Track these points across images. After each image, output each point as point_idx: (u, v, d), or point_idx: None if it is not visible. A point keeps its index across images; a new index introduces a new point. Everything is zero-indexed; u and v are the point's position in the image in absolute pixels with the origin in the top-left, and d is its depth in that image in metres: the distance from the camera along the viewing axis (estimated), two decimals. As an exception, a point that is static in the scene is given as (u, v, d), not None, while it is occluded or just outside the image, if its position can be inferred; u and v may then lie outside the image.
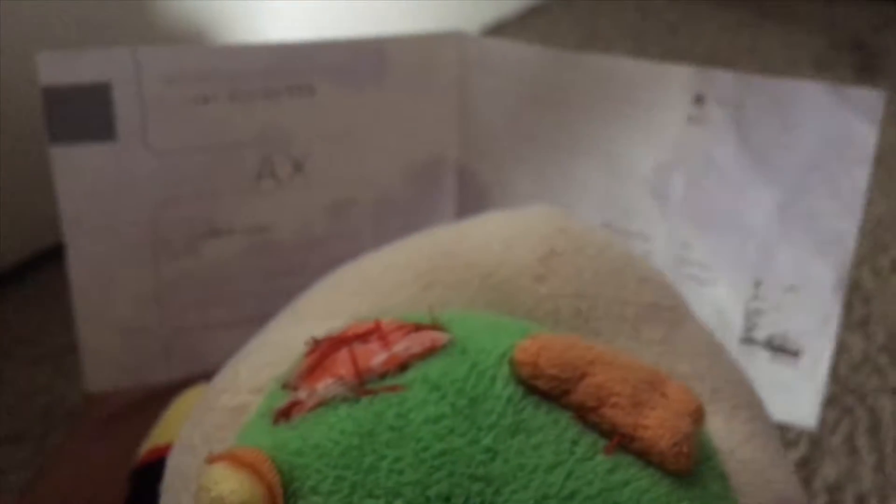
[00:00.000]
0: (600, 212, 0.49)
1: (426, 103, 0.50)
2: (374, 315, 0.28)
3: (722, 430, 0.29)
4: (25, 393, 0.64)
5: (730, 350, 0.34)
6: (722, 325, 0.47)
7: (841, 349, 0.66)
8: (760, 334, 0.46)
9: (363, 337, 0.26)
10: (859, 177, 0.43)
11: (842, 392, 0.65)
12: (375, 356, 0.25)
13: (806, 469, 0.58)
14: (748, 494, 0.27)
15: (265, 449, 0.24)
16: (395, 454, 0.23)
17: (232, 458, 0.23)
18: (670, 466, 0.24)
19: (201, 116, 0.45)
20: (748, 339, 0.47)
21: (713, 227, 0.46)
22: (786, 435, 0.57)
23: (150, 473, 0.33)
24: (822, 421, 0.51)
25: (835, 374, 0.64)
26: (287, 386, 0.26)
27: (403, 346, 0.26)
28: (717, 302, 0.47)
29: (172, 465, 0.29)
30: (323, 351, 0.26)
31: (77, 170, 0.44)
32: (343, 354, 0.26)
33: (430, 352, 0.26)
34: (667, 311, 0.32)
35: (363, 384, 0.25)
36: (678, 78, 0.46)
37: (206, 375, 0.46)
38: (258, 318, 0.48)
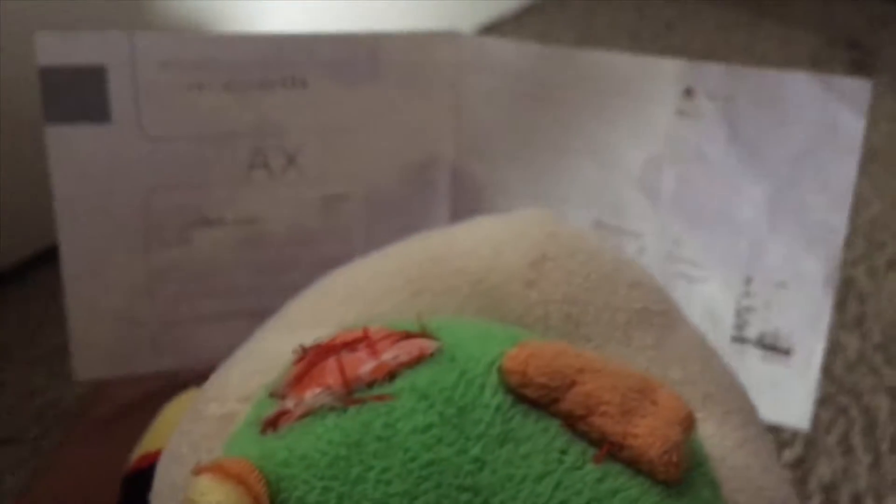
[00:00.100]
0: (592, 209, 0.49)
1: (420, 101, 0.50)
2: (364, 322, 0.28)
3: (714, 435, 0.29)
4: (21, 394, 0.64)
5: (721, 349, 0.34)
6: (713, 323, 0.46)
7: (836, 348, 0.66)
8: (751, 332, 0.46)
9: (351, 345, 0.26)
10: (848, 167, 0.43)
11: (837, 391, 0.65)
12: (363, 365, 0.25)
13: (801, 469, 0.58)
14: (740, 501, 0.27)
15: (252, 459, 0.24)
16: (383, 464, 0.23)
17: (218, 470, 0.23)
18: (660, 475, 0.24)
19: (195, 104, 0.45)
20: (739, 338, 0.46)
21: (704, 222, 0.46)
22: (781, 435, 0.57)
23: (141, 480, 0.33)
24: (818, 420, 0.51)
25: (830, 374, 0.64)
26: (275, 395, 0.26)
27: (392, 354, 0.26)
28: (708, 300, 0.47)
29: (161, 473, 0.29)
30: (311, 359, 0.26)
31: (71, 150, 0.44)
32: (331, 363, 0.26)
33: (419, 360, 0.26)
34: (658, 315, 0.32)
35: (351, 393, 0.25)
36: (668, 71, 0.46)
37: (195, 372, 0.47)
38: (248, 313, 0.48)
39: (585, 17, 1.24)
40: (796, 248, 0.45)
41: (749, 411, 0.32)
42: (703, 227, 0.46)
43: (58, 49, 0.43)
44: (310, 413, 0.25)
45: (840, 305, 0.67)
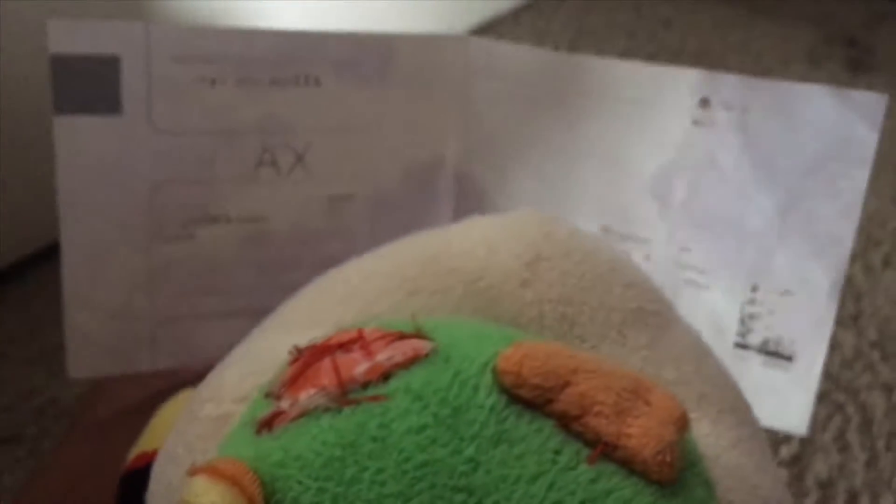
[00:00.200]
0: (599, 215, 0.49)
1: (429, 103, 0.50)
2: (359, 323, 0.28)
3: (708, 435, 0.29)
4: (20, 393, 0.64)
5: (723, 355, 0.34)
6: (717, 330, 0.47)
7: (832, 346, 0.66)
8: (755, 339, 0.46)
9: (346, 346, 0.26)
10: (859, 179, 0.43)
11: (833, 389, 0.65)
12: (358, 365, 0.25)
13: (797, 466, 0.58)
14: (734, 501, 0.27)
15: (247, 460, 0.24)
16: (378, 465, 0.23)
17: (213, 471, 0.23)
18: (654, 475, 0.24)
19: (207, 98, 0.45)
20: (742, 345, 0.47)
21: (713, 230, 0.46)
22: (777, 432, 0.57)
23: (138, 479, 0.33)
24: (814, 418, 0.52)
25: (826, 371, 0.64)
26: (270, 395, 0.26)
27: (386, 355, 0.26)
28: (713, 307, 0.47)
29: (157, 474, 0.29)
30: (306, 360, 0.26)
31: (79, 141, 0.43)
32: (326, 364, 0.26)
33: (413, 361, 0.26)
34: (653, 315, 0.32)
35: (346, 394, 0.25)
36: (684, 81, 0.46)
37: (193, 372, 0.46)
38: (248, 312, 0.48)
39: (582, 15, 1.24)
40: (803, 256, 0.45)
41: (743, 411, 0.32)
42: (712, 235, 0.46)
43: (70, 37, 0.42)
44: (305, 414, 0.25)
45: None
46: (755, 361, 0.46)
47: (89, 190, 0.44)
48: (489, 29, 1.15)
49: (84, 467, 0.46)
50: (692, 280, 0.47)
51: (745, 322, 0.46)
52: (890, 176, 0.91)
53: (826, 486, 0.58)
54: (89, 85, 0.43)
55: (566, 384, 0.25)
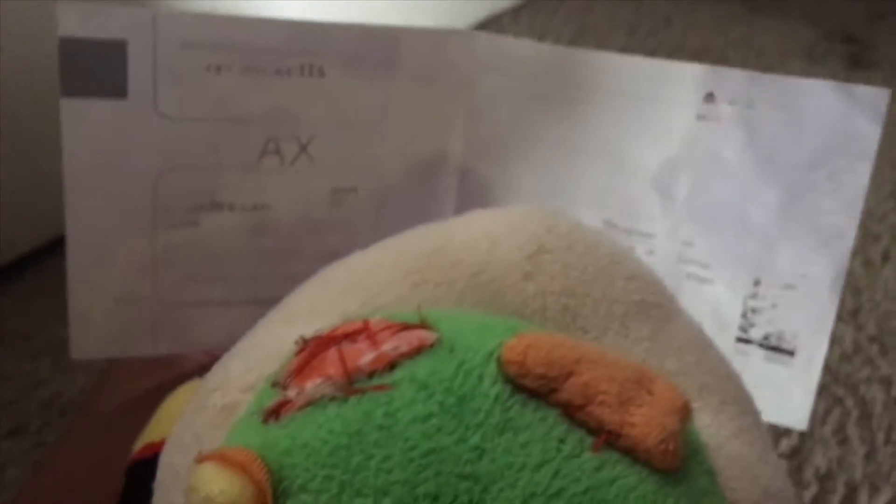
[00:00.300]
0: (603, 209, 0.49)
1: (434, 98, 0.50)
2: (363, 314, 0.28)
3: (710, 425, 0.30)
4: (25, 386, 0.65)
5: (725, 350, 0.34)
6: (719, 324, 0.47)
7: (832, 340, 0.66)
8: (756, 333, 0.47)
9: (352, 336, 0.26)
10: (861, 174, 0.44)
11: (833, 382, 0.65)
12: (364, 355, 0.26)
13: (797, 459, 0.59)
14: (736, 490, 0.27)
15: (254, 448, 0.24)
16: (384, 453, 0.24)
17: (221, 458, 0.23)
18: (657, 464, 0.24)
19: (213, 86, 0.45)
20: (744, 339, 0.47)
21: (716, 225, 0.47)
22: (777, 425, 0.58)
23: (145, 469, 0.33)
24: (813, 411, 0.52)
25: (826, 365, 0.64)
26: (276, 385, 0.26)
27: (392, 345, 0.26)
28: (716, 301, 0.47)
29: (164, 463, 0.29)
30: (312, 350, 0.26)
31: (85, 124, 0.43)
32: (332, 354, 0.26)
33: (418, 351, 0.26)
34: (654, 308, 0.32)
35: (352, 383, 0.25)
36: (689, 75, 0.46)
37: (197, 363, 0.47)
38: (249, 300, 0.48)
39: (583, 11, 1.25)
40: (806, 250, 0.45)
41: (745, 401, 0.32)
42: (715, 229, 0.47)
43: (79, 20, 0.42)
44: (311, 403, 0.25)
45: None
46: (757, 356, 0.47)
47: (95, 174, 0.44)
48: (489, 26, 1.16)
49: (89, 459, 0.46)
50: (694, 274, 0.47)
51: (748, 316, 0.47)
52: (889, 171, 0.91)
53: (825, 478, 0.58)
54: (96, 68, 0.43)
55: (570, 374, 0.25)
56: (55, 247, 0.74)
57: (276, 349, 0.28)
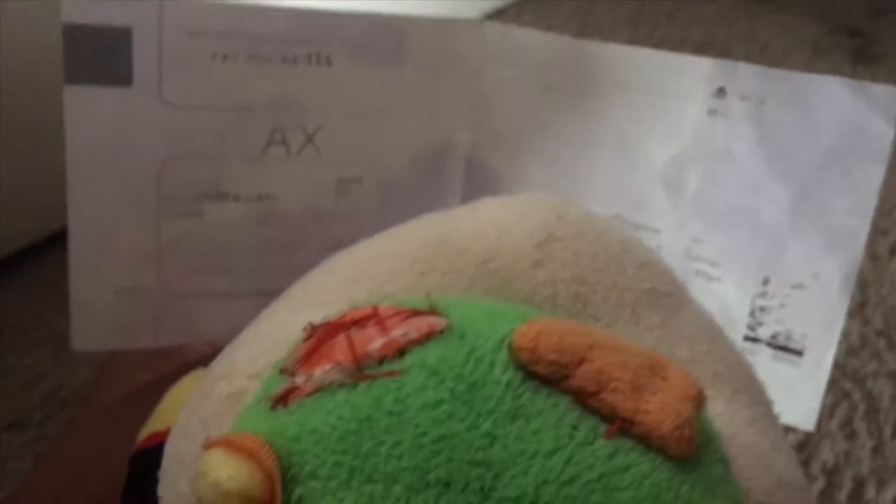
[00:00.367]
0: (611, 203, 0.48)
1: (441, 88, 0.50)
2: (371, 302, 0.28)
3: (722, 414, 0.29)
4: (26, 379, 0.64)
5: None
6: (727, 322, 0.46)
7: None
8: (765, 333, 0.46)
9: (361, 322, 0.26)
10: (874, 174, 0.43)
11: (840, 377, 0.65)
12: (373, 341, 0.25)
13: (804, 453, 0.59)
14: (750, 479, 0.27)
15: (262, 435, 0.24)
16: (394, 439, 0.23)
17: (229, 444, 0.23)
18: (672, 451, 0.24)
19: (218, 74, 0.45)
20: (752, 338, 0.46)
21: (725, 222, 0.46)
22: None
23: (148, 459, 0.33)
24: (820, 406, 0.52)
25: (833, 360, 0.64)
26: (284, 372, 0.26)
27: (401, 331, 0.26)
28: (723, 299, 0.47)
29: (170, 451, 0.28)
30: (320, 336, 0.26)
31: (88, 112, 0.43)
32: (340, 340, 0.25)
33: (428, 337, 0.25)
34: (666, 296, 0.32)
35: (361, 369, 0.25)
36: (701, 70, 0.46)
37: (201, 353, 0.46)
38: (253, 292, 0.48)
39: (586, 6, 1.24)
40: (816, 250, 0.44)
41: (757, 391, 0.32)
42: (724, 226, 0.46)
43: (83, 7, 0.42)
44: (320, 389, 0.25)
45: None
46: (765, 355, 0.46)
47: (98, 162, 0.44)
48: (493, 19, 1.15)
49: (92, 451, 0.46)
50: (702, 271, 0.47)
51: (756, 315, 0.46)
52: None
53: (832, 473, 0.58)
54: (100, 56, 0.42)
55: (582, 360, 0.25)
56: (55, 240, 0.74)
57: (283, 337, 0.28)
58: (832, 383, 0.63)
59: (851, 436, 0.60)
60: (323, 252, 0.34)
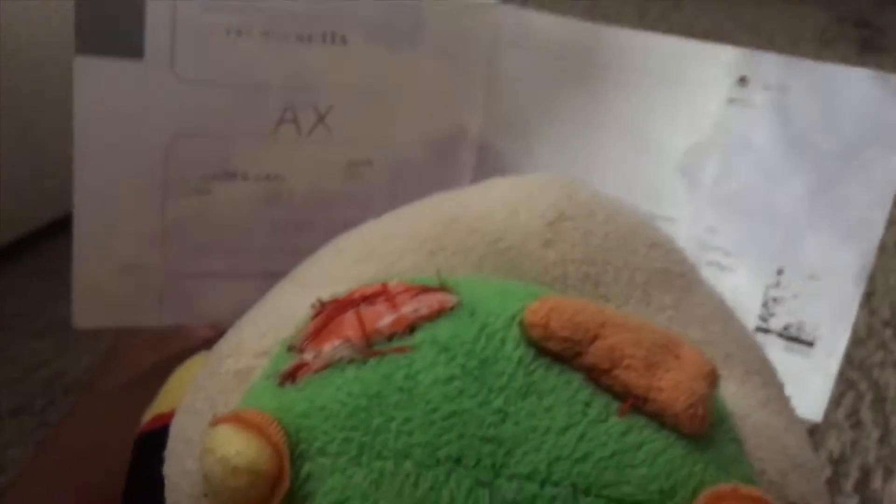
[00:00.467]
0: (625, 191, 0.48)
1: (456, 72, 0.49)
2: (380, 280, 0.27)
3: (735, 394, 0.29)
4: (28, 366, 0.64)
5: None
6: (739, 313, 0.46)
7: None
8: (777, 323, 0.46)
9: (370, 299, 0.26)
10: (893, 165, 0.42)
11: (846, 367, 0.65)
12: (383, 318, 0.25)
13: (810, 442, 0.58)
14: (763, 460, 0.27)
15: (271, 411, 0.23)
16: (404, 415, 0.23)
17: (237, 420, 0.23)
18: (685, 429, 0.24)
19: (232, 49, 0.44)
20: (764, 329, 0.46)
21: (742, 211, 0.46)
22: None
23: (154, 440, 0.33)
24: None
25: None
26: (293, 349, 0.26)
27: (411, 307, 0.25)
28: (736, 289, 0.46)
29: (176, 429, 0.28)
30: (329, 313, 0.26)
31: (98, 83, 0.42)
32: (350, 316, 0.25)
33: (439, 314, 0.25)
34: (677, 276, 0.32)
35: (371, 346, 0.24)
36: (722, 58, 0.45)
37: (201, 338, 0.46)
38: (259, 273, 0.47)
39: (591, -5, 1.24)
40: (832, 241, 0.44)
41: (769, 373, 0.32)
42: (740, 216, 0.46)
43: None
44: (329, 365, 0.24)
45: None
46: (776, 346, 0.46)
47: (105, 136, 0.43)
48: (509, 2, 1.15)
49: (94, 436, 0.45)
50: (716, 261, 0.46)
51: (769, 306, 0.46)
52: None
53: (839, 462, 0.57)
54: (112, 26, 0.42)
55: (595, 337, 0.24)
56: (55, 228, 0.73)
57: (291, 315, 0.28)
58: (839, 374, 0.62)
59: (858, 425, 0.60)
60: (331, 234, 0.34)
